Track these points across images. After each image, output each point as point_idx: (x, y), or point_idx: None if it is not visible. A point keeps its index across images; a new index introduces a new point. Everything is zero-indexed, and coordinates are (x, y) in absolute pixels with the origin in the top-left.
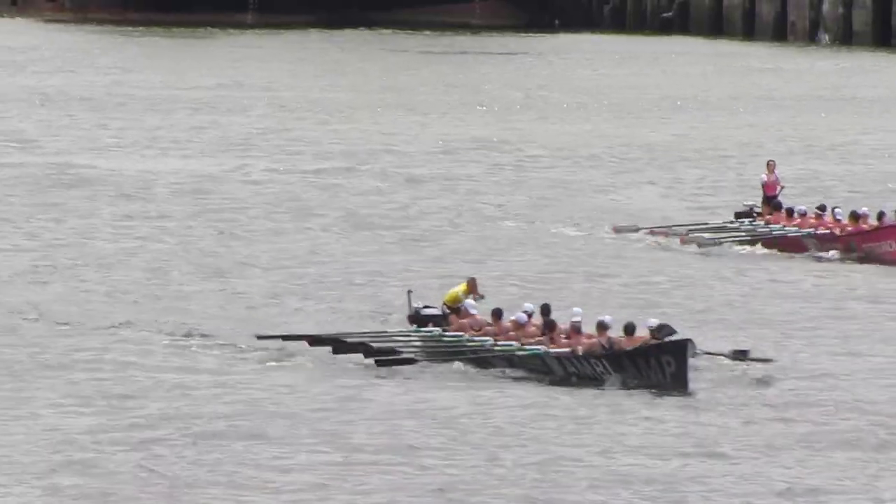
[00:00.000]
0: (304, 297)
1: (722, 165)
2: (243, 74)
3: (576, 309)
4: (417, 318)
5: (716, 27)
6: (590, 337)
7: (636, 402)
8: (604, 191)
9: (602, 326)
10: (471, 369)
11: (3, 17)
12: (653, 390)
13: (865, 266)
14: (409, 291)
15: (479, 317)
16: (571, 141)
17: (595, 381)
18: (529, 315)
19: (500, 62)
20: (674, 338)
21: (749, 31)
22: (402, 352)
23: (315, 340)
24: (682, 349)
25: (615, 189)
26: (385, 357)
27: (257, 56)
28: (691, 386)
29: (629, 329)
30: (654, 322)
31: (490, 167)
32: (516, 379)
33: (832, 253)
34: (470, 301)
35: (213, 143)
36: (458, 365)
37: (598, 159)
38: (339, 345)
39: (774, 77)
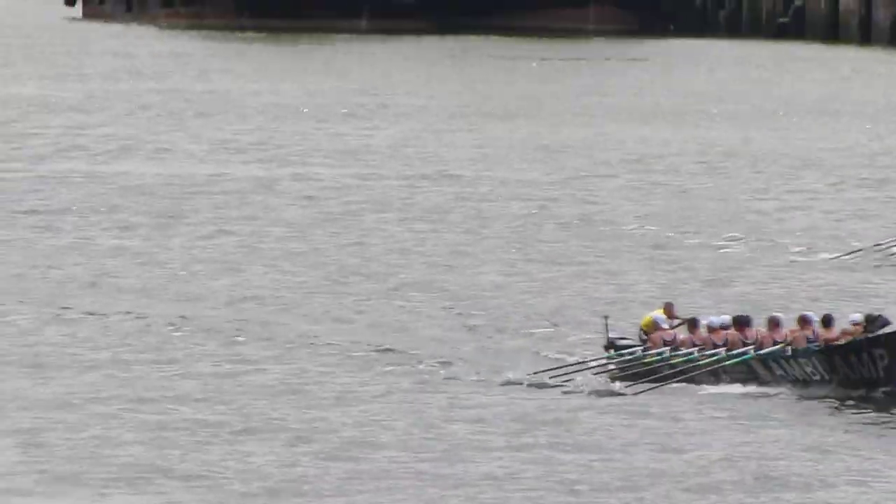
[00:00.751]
0: (498, 331)
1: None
2: (362, 81)
3: (777, 313)
4: (613, 347)
5: (831, 32)
6: (792, 331)
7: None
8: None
9: (804, 321)
10: (677, 387)
11: (118, 23)
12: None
13: None
14: (606, 317)
15: (671, 331)
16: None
17: (805, 385)
18: (725, 327)
19: (610, 70)
20: (887, 329)
21: (865, 36)
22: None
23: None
24: (894, 339)
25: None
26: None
27: (373, 62)
28: None
29: (827, 321)
30: (859, 317)
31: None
32: (726, 397)
33: None
34: (660, 316)
35: (352, 152)
36: (662, 386)
37: (762, 171)
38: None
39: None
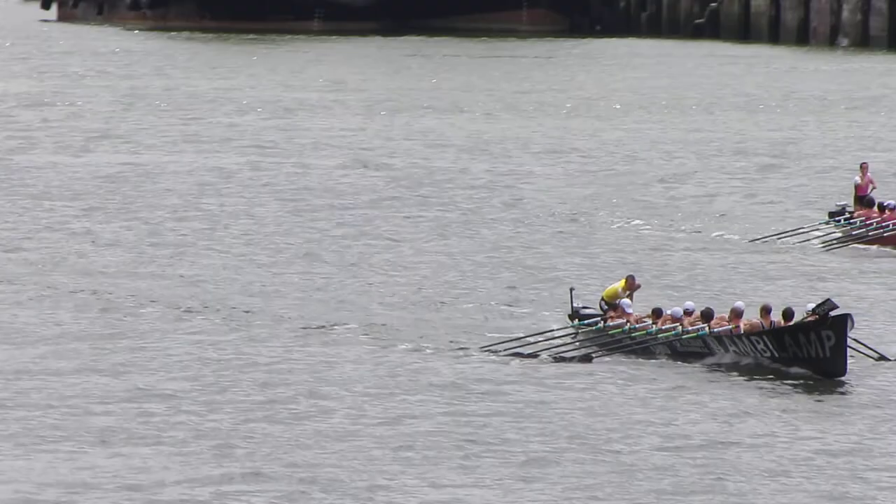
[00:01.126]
0: (478, 302)
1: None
2: (313, 77)
3: (738, 302)
4: (578, 316)
5: (743, 33)
6: (750, 320)
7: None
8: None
9: (766, 310)
10: (635, 359)
11: (90, 24)
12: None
13: None
14: (572, 289)
15: (636, 315)
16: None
17: (756, 362)
18: (689, 312)
19: (543, 67)
20: (835, 313)
21: (774, 36)
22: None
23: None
24: (842, 323)
25: (719, 195)
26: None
27: (325, 61)
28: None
29: (788, 314)
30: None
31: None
32: (679, 367)
33: None
34: (626, 301)
35: (323, 144)
36: (622, 356)
37: (677, 158)
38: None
39: (799, 77)
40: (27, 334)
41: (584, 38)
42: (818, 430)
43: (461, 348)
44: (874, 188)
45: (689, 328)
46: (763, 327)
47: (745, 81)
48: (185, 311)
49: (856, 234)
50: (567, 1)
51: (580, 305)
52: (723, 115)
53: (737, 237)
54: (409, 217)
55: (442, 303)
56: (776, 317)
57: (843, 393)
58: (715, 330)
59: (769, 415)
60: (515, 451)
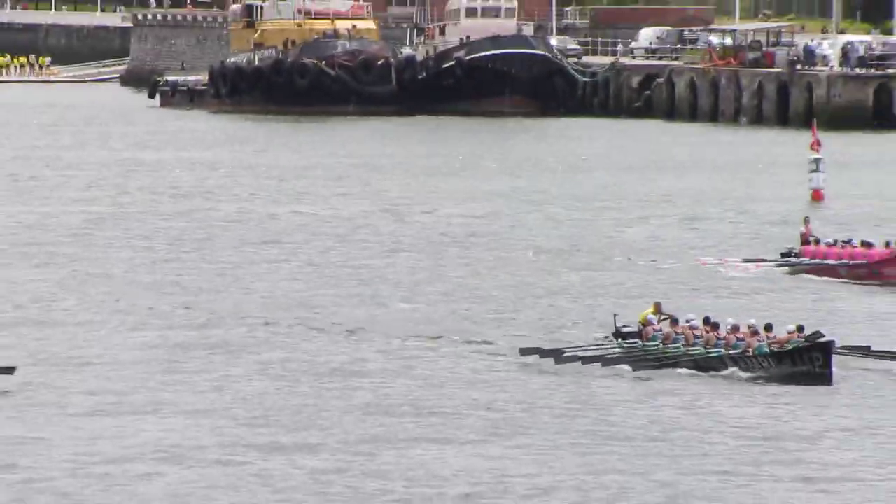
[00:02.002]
0: (532, 320)
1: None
2: (351, 147)
3: (729, 319)
4: (620, 334)
5: (670, 113)
6: (747, 334)
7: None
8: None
9: (752, 328)
10: (667, 371)
11: (184, 108)
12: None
13: (883, 287)
14: (615, 315)
15: (658, 325)
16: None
17: (761, 374)
18: (690, 323)
19: (523, 139)
20: (822, 340)
21: (693, 116)
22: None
23: (558, 358)
24: (828, 348)
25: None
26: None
27: (360, 136)
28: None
29: (768, 328)
30: (792, 327)
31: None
32: (704, 379)
33: (860, 277)
34: (651, 317)
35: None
36: (655, 368)
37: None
38: (548, 355)
39: (705, 147)
40: (127, 349)
41: (551, 117)
42: (811, 423)
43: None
44: (814, 236)
45: (710, 349)
46: (758, 341)
47: (662, 148)
48: (281, 325)
49: (804, 268)
50: (539, 89)
51: (622, 325)
52: (651, 174)
53: (710, 272)
54: (420, 250)
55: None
56: (766, 333)
57: (831, 394)
58: (730, 353)
59: (778, 410)
60: (570, 431)
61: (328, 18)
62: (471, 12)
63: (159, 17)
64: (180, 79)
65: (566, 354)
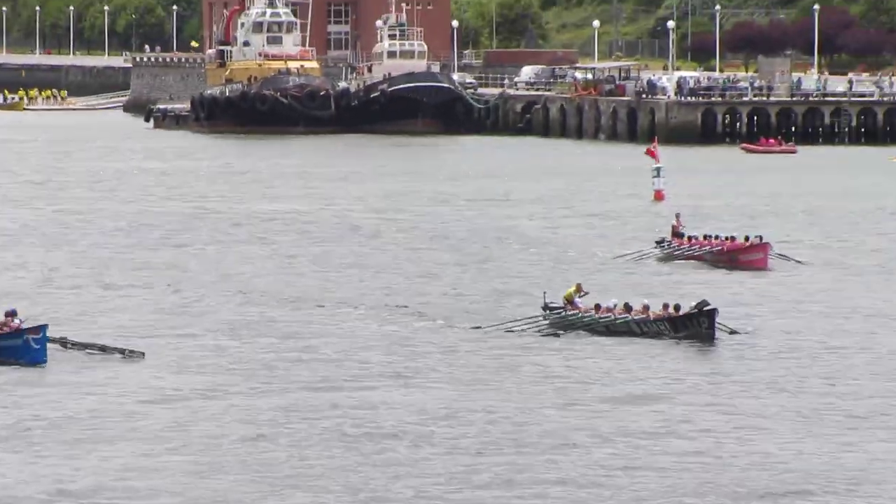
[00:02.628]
0: (478, 300)
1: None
2: (296, 158)
3: (645, 300)
4: (548, 308)
5: (545, 131)
6: (654, 311)
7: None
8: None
9: (665, 306)
10: (584, 334)
11: (171, 129)
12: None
13: (739, 270)
14: (545, 292)
15: (584, 306)
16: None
17: (659, 336)
18: (613, 306)
19: (431, 152)
20: (707, 308)
21: (563, 133)
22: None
23: (483, 328)
24: (712, 314)
25: (564, 227)
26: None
27: (307, 149)
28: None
29: (677, 308)
30: (693, 303)
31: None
32: (612, 340)
33: (721, 263)
34: (578, 299)
35: (310, 193)
36: (576, 333)
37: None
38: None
39: (572, 158)
40: (226, 351)
41: (453, 135)
42: (694, 371)
43: (473, 328)
44: (683, 227)
45: (619, 316)
46: (665, 315)
47: (539, 159)
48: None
49: (675, 254)
50: (444, 114)
51: (549, 301)
52: (532, 178)
53: (602, 256)
54: (361, 244)
55: (449, 295)
56: (667, 309)
57: (711, 350)
58: (635, 318)
59: (667, 367)
60: (523, 386)
61: (282, 60)
62: (391, 55)
63: (153, 59)
64: (169, 106)
65: (506, 326)
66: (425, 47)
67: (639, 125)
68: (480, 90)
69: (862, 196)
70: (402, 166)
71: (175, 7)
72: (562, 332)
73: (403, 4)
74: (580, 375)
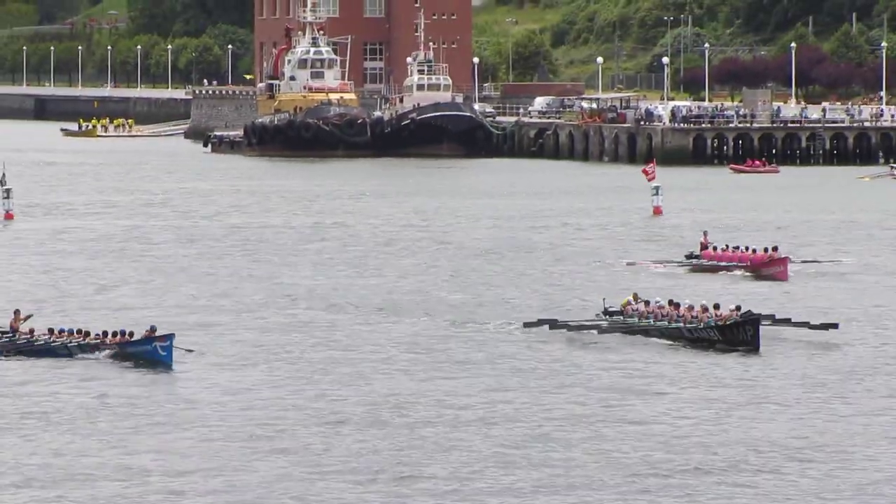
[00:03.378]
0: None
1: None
2: (341, 178)
3: (686, 300)
4: (607, 312)
5: (555, 154)
6: (699, 311)
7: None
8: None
9: (704, 307)
10: (641, 338)
11: (226, 153)
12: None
13: (765, 280)
14: (604, 298)
15: (637, 307)
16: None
17: (709, 342)
18: (661, 306)
19: (455, 172)
20: (751, 316)
21: (572, 155)
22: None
23: (552, 325)
24: (756, 322)
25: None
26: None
27: (343, 171)
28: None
29: (716, 306)
30: (733, 307)
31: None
32: (669, 344)
33: (745, 274)
34: (632, 300)
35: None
36: (634, 337)
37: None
38: (560, 326)
39: (580, 178)
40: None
41: (474, 158)
42: (744, 377)
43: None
44: (712, 243)
45: (672, 322)
46: (714, 323)
47: (551, 178)
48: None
49: (704, 266)
50: (466, 139)
51: (608, 306)
52: (547, 196)
53: (640, 263)
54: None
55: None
56: (706, 311)
57: (757, 356)
58: (687, 325)
59: (713, 369)
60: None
61: (324, 92)
62: (420, 87)
63: (211, 92)
64: (225, 133)
65: (568, 324)
66: (450, 81)
67: (638, 148)
68: (498, 118)
69: (836, 209)
70: (429, 184)
71: (230, 46)
72: (620, 334)
73: (431, 43)
74: (644, 374)
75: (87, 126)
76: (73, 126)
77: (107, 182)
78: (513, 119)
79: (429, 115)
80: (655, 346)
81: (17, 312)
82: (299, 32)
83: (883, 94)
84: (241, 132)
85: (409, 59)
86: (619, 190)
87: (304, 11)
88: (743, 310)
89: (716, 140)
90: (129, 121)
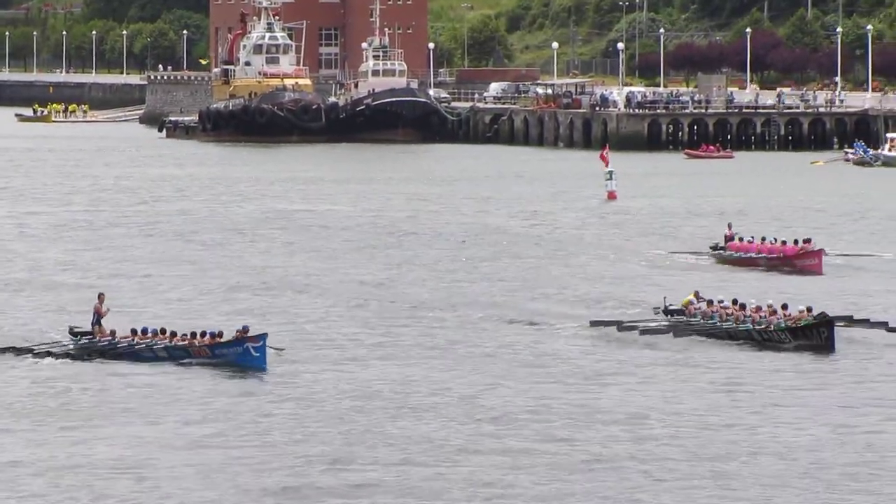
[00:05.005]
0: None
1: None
2: (294, 164)
3: (750, 299)
4: (668, 311)
5: (510, 139)
6: (767, 312)
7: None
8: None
9: (772, 308)
10: (702, 339)
11: (181, 139)
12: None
13: (794, 274)
14: (664, 297)
15: (699, 306)
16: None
17: (780, 344)
18: (721, 301)
19: (411, 158)
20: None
21: (526, 141)
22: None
23: (620, 327)
24: (831, 324)
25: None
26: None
27: (300, 156)
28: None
29: (784, 306)
30: (802, 307)
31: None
32: (735, 344)
33: (774, 266)
34: (693, 299)
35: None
36: (695, 337)
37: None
38: (627, 328)
39: (536, 164)
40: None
41: (429, 144)
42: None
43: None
44: (735, 234)
45: (739, 324)
46: (786, 325)
47: (514, 165)
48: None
49: (730, 259)
50: (421, 125)
51: (669, 304)
52: (503, 182)
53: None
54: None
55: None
56: (776, 314)
57: (832, 360)
58: (756, 327)
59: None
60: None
61: (279, 78)
62: (375, 73)
63: (166, 77)
64: (179, 119)
65: (627, 325)
66: (405, 66)
67: (593, 134)
68: (453, 104)
69: (790, 193)
70: (384, 169)
71: (185, 31)
72: (682, 335)
73: (386, 29)
74: (711, 377)
75: (42, 111)
76: (28, 111)
77: (61, 168)
78: (468, 105)
79: (384, 100)
80: (721, 349)
81: (100, 296)
82: (254, 17)
83: (838, 79)
84: (195, 117)
85: (364, 45)
86: (574, 176)
87: None
88: (815, 311)
89: (671, 126)
90: (85, 106)
